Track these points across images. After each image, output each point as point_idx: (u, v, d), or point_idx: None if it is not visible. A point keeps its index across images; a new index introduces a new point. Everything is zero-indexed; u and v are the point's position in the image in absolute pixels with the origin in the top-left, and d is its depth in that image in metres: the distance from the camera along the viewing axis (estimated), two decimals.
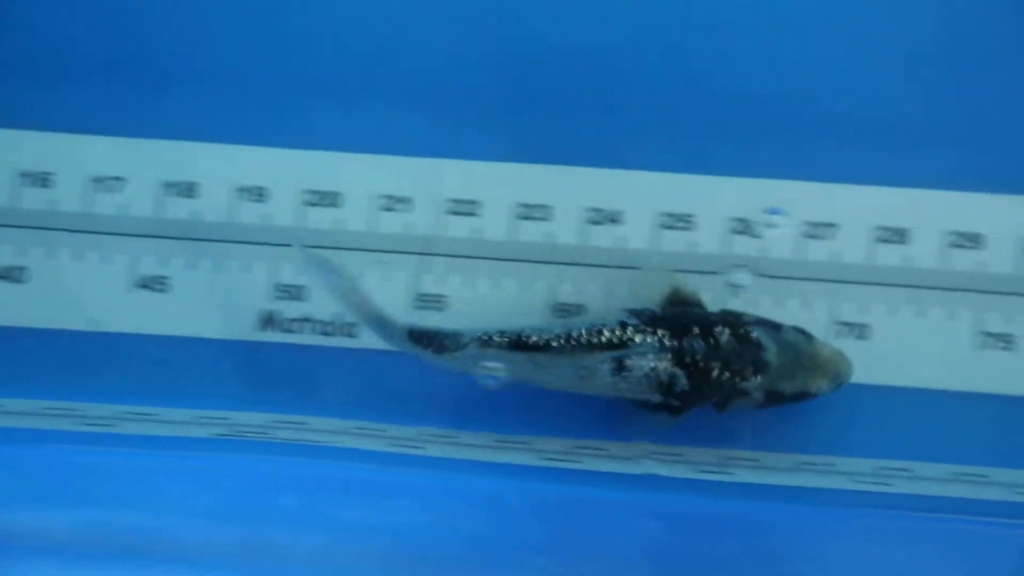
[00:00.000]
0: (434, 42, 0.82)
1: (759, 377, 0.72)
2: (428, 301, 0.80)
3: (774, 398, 0.73)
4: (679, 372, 0.72)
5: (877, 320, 0.78)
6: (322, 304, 0.80)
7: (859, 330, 0.78)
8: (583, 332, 0.73)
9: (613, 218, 0.80)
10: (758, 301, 0.78)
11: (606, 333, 0.73)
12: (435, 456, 0.73)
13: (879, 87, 0.80)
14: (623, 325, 0.73)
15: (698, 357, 0.72)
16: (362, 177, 0.81)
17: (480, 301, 0.80)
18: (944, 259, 0.79)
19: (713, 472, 0.73)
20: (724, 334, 0.72)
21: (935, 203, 0.79)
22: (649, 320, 0.73)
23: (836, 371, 0.74)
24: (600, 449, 0.75)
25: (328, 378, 0.79)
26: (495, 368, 0.73)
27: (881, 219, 0.79)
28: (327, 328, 0.80)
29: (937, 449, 0.77)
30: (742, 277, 0.78)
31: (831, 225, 0.79)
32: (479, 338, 0.74)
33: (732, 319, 0.73)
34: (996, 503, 0.72)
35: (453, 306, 0.80)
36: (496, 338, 0.74)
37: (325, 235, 0.80)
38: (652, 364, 0.72)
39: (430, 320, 0.79)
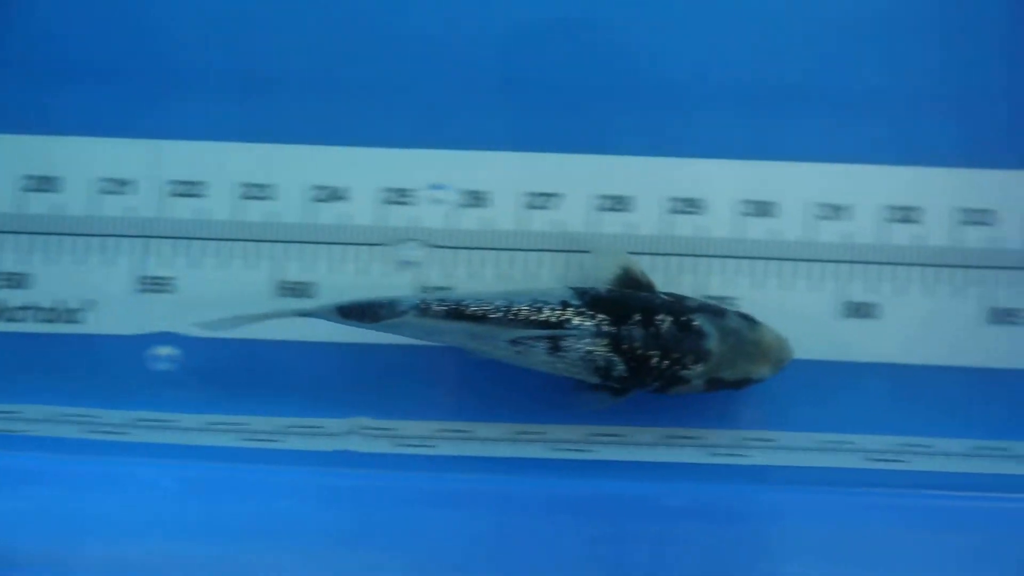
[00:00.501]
0: (156, 22, 0.80)
1: (700, 366, 0.72)
2: (153, 283, 0.79)
3: (715, 384, 0.73)
4: (616, 358, 0.71)
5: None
6: (45, 291, 0.79)
7: None
8: (523, 308, 0.72)
9: (338, 195, 0.80)
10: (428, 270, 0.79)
11: (545, 312, 0.72)
12: (145, 442, 0.72)
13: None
14: (564, 304, 0.72)
15: (636, 344, 0.71)
16: (81, 160, 0.79)
17: (207, 281, 0.79)
18: (667, 224, 0.80)
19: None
20: (665, 322, 0.72)
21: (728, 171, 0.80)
22: (591, 301, 0.72)
23: (778, 357, 0.73)
24: (314, 427, 0.75)
25: (43, 366, 0.78)
26: (171, 352, 0.72)
27: (602, 187, 0.80)
28: (49, 315, 0.79)
29: None
30: (412, 253, 0.79)
31: (553, 195, 0.80)
32: (417, 306, 0.73)
33: (675, 305, 0.73)
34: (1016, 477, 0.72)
35: (180, 288, 0.79)
36: (435, 307, 0.73)
37: (44, 221, 0.79)
38: (588, 348, 0.71)
39: (156, 303, 0.78)
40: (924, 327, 0.79)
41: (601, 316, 0.72)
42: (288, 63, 0.80)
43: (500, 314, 0.72)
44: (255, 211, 0.80)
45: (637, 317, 0.72)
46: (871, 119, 0.80)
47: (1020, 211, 0.79)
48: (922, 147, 0.79)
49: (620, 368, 0.71)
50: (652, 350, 0.71)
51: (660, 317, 0.72)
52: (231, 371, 0.77)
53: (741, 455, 0.75)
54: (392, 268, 0.79)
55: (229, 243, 0.79)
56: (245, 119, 0.80)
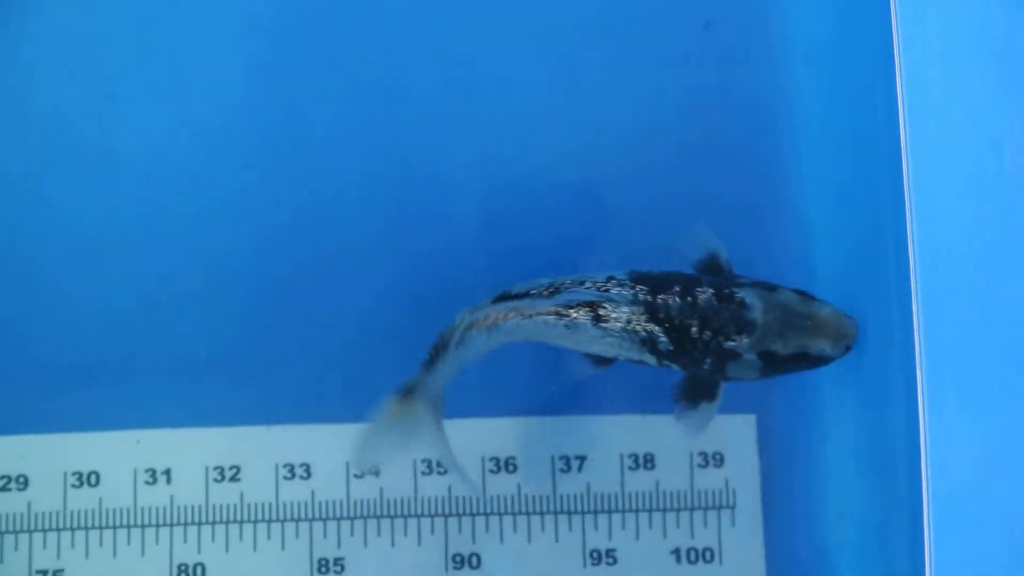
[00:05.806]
0: None
1: (745, 337, 0.71)
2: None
3: (771, 360, 0.71)
4: (657, 329, 0.71)
5: None
6: None
7: None
8: (567, 281, 0.72)
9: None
10: None
11: (587, 283, 0.72)
12: None
13: None
14: (609, 279, 0.72)
15: (673, 314, 0.71)
16: None
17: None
18: None
19: None
20: (705, 293, 0.71)
21: None
22: (636, 276, 0.73)
23: (838, 332, 0.71)
24: None
25: None
26: None
27: None
28: None
29: None
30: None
31: None
32: (464, 312, 0.72)
33: (723, 281, 0.72)
34: None
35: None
36: (481, 302, 0.72)
37: None
38: (627, 317, 0.71)
39: None
40: None
41: (640, 287, 0.72)
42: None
43: (543, 288, 0.72)
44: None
45: (677, 288, 0.72)
46: None
47: None
48: None
49: (663, 340, 0.71)
50: (690, 319, 0.71)
51: (701, 289, 0.72)
52: None
53: None
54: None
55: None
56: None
